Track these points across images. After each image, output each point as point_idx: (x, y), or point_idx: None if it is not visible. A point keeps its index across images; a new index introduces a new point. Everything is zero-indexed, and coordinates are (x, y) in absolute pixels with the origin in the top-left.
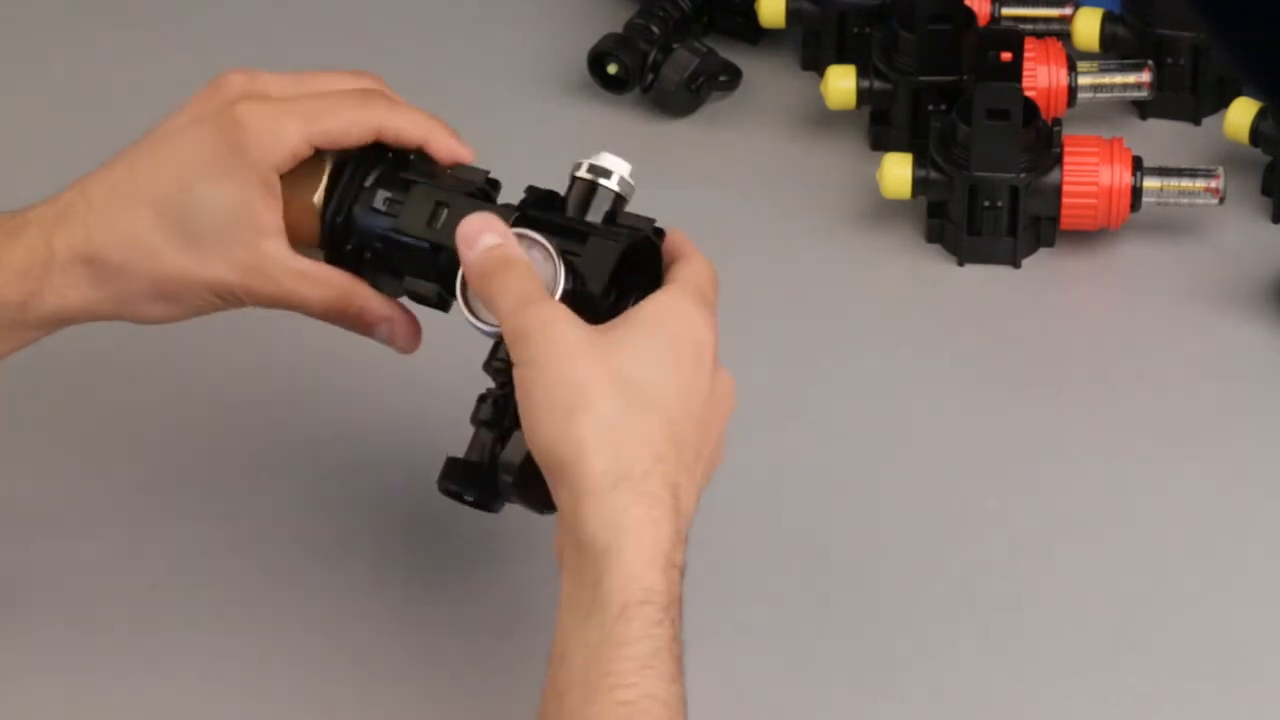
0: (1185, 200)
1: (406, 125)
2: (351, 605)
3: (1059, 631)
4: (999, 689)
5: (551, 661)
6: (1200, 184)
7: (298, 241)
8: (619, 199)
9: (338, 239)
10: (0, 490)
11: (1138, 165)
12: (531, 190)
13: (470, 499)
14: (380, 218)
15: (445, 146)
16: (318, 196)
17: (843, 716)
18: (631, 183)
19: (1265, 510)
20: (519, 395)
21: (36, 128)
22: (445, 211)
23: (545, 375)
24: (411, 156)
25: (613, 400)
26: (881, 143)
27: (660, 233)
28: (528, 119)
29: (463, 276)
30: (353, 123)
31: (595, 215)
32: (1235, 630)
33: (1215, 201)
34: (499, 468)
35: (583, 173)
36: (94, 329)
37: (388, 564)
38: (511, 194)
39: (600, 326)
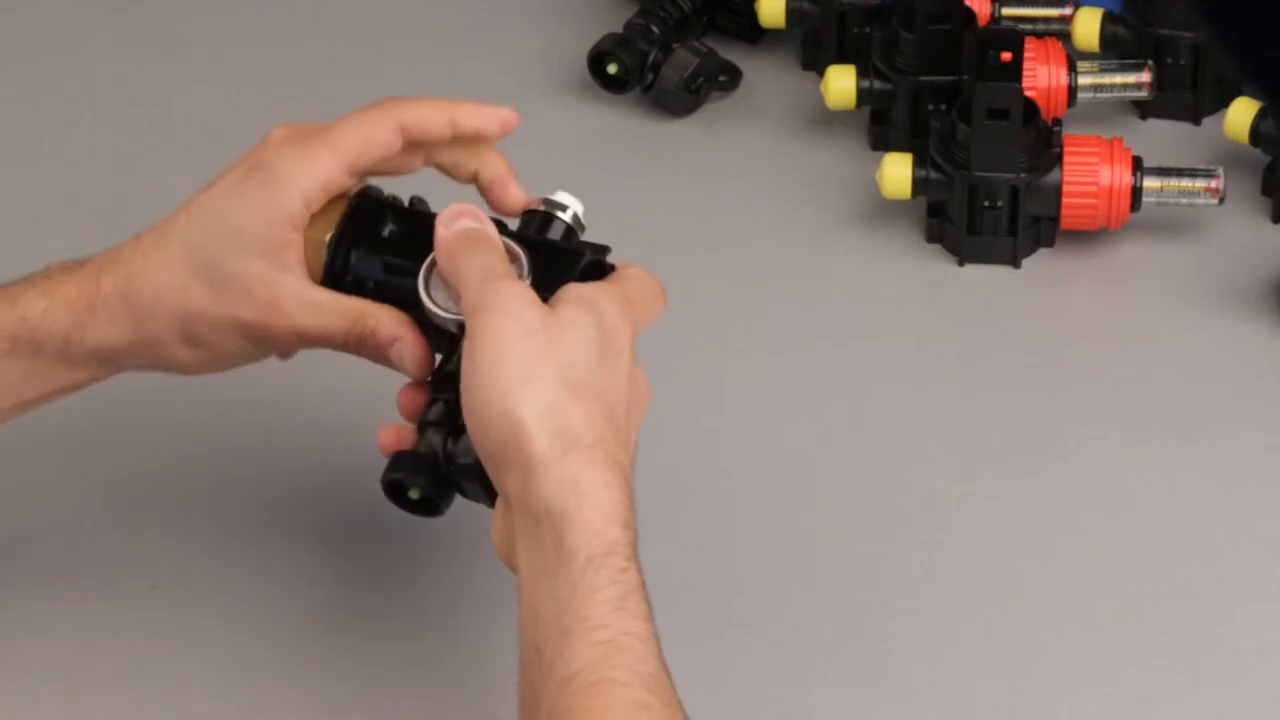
0: (1185, 200)
1: (426, 112)
2: (352, 604)
3: (1058, 631)
4: (998, 688)
5: (523, 626)
6: (1200, 184)
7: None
8: (570, 231)
9: (338, 273)
10: (1, 491)
11: (1138, 165)
12: None
13: (417, 491)
14: (376, 257)
15: (477, 114)
16: (329, 236)
17: (840, 716)
18: (583, 222)
19: (1265, 509)
20: (464, 366)
21: (35, 129)
22: (393, 226)
23: (495, 352)
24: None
25: (556, 384)
26: (881, 143)
27: (611, 265)
28: (528, 119)
29: (429, 262)
30: (375, 128)
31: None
32: (1235, 629)
33: (1215, 201)
34: (456, 454)
35: (536, 206)
36: None
37: (388, 563)
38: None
39: (546, 309)
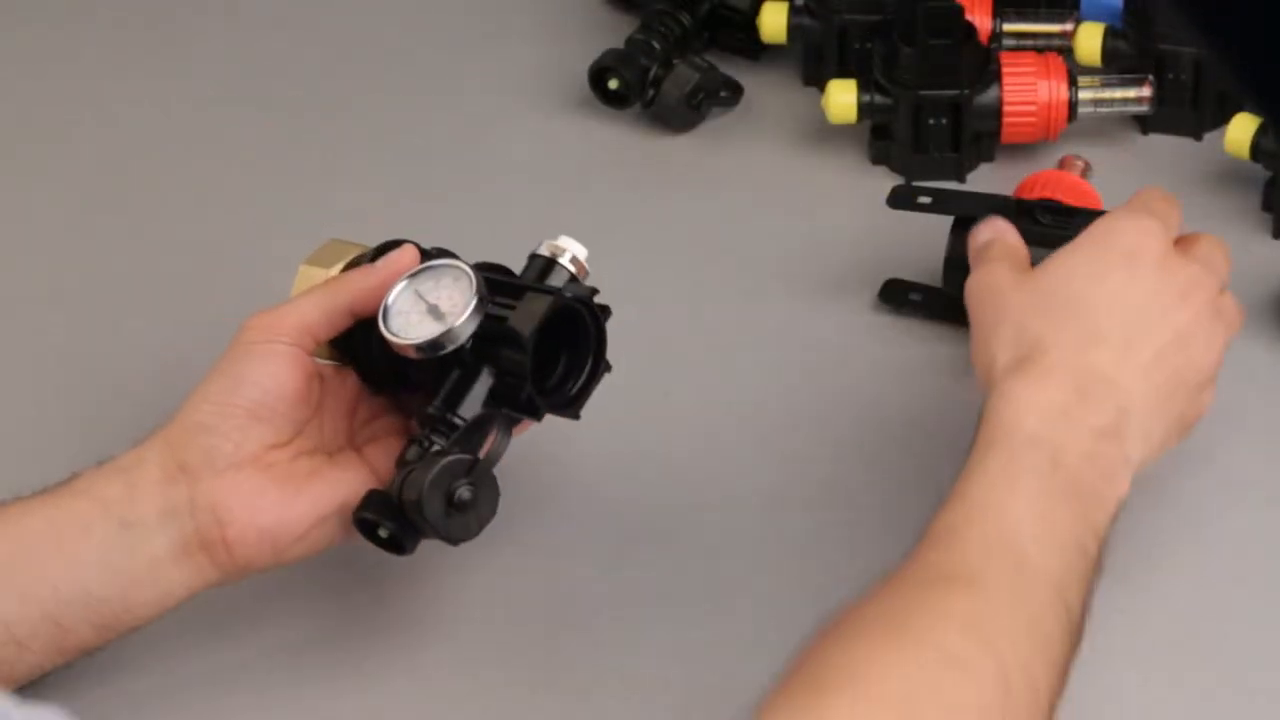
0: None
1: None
2: (351, 604)
3: None
4: None
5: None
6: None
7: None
8: (573, 278)
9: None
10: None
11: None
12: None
13: (386, 532)
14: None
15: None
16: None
17: None
18: (586, 266)
19: (1264, 524)
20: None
21: (35, 135)
22: None
23: (981, 308)
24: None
25: (1025, 305)
26: (882, 157)
27: (604, 309)
28: (529, 134)
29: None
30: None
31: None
32: (1234, 642)
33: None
34: (405, 487)
35: (541, 250)
36: (101, 339)
37: (386, 562)
38: (517, 210)
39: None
